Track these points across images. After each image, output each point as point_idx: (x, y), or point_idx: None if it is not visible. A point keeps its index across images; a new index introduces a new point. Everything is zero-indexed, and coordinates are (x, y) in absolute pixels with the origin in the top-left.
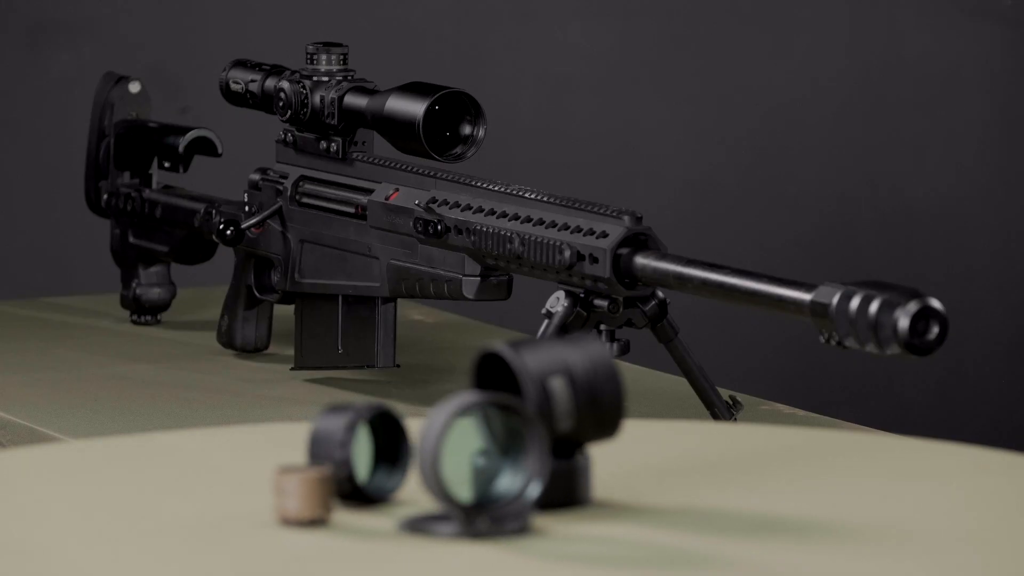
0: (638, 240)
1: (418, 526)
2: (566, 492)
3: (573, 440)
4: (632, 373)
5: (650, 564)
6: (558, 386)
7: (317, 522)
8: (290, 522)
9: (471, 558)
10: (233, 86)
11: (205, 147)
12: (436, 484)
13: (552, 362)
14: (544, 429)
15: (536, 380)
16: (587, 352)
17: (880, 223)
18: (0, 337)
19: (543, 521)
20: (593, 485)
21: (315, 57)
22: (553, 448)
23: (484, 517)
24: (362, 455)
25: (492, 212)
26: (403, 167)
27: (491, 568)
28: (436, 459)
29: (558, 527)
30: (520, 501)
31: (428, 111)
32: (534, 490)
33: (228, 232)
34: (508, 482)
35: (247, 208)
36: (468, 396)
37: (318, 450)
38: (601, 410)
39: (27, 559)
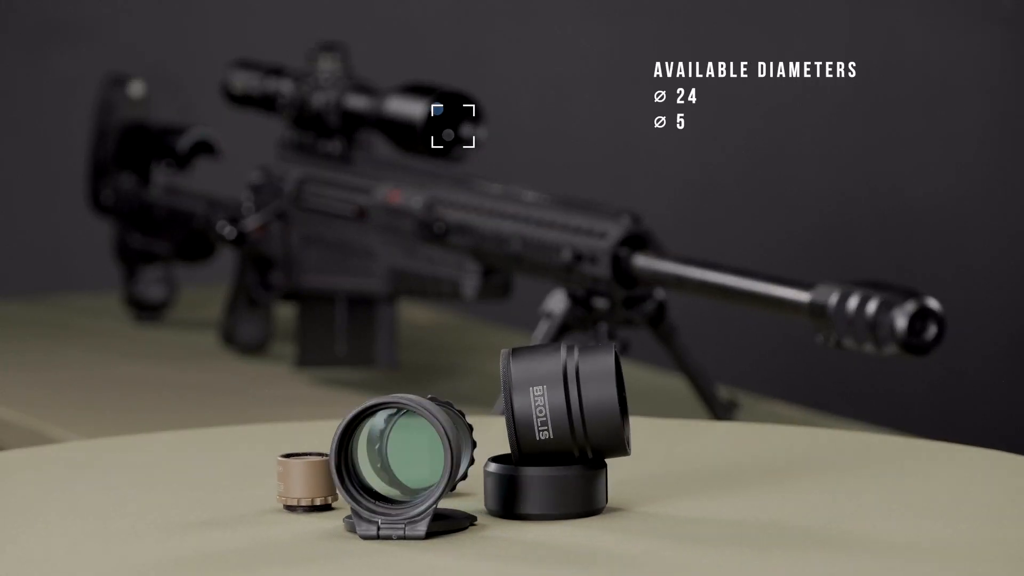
0: (637, 240)
1: (347, 522)
2: (571, 502)
3: (566, 452)
4: (632, 372)
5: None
6: (538, 395)
7: (319, 507)
8: (291, 507)
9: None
10: (234, 87)
11: (206, 147)
12: (338, 482)
13: (543, 371)
14: (448, 437)
15: (513, 387)
16: (588, 362)
17: (880, 223)
18: (0, 337)
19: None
20: (603, 495)
21: (315, 57)
22: (543, 458)
23: (378, 518)
24: (402, 449)
25: (492, 212)
26: (403, 167)
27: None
28: (337, 458)
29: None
30: (420, 505)
31: (428, 112)
32: (434, 494)
33: (229, 232)
34: (413, 486)
35: (248, 208)
36: (375, 399)
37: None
38: (589, 422)
39: (28, 558)
